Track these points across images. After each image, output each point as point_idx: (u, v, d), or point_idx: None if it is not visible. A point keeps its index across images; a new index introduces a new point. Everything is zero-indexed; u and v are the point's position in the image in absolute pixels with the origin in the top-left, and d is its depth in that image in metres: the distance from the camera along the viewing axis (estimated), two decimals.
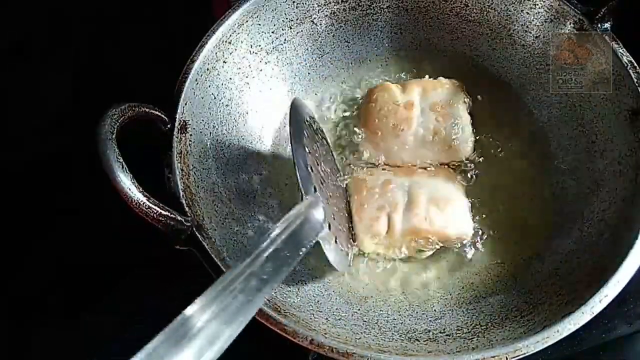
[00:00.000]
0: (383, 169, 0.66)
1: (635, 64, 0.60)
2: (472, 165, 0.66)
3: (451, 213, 0.60)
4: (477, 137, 0.68)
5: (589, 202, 0.60)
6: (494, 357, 0.47)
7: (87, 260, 0.66)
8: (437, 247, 0.61)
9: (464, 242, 0.61)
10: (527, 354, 0.47)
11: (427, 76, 0.70)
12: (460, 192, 0.63)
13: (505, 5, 0.69)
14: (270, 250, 0.41)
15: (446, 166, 0.66)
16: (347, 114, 0.72)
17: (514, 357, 0.47)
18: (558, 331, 0.47)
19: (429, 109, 0.66)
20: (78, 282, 0.66)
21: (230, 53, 0.64)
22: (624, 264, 0.50)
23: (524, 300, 0.55)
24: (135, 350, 0.61)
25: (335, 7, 0.71)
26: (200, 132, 0.60)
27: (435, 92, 0.67)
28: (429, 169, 0.65)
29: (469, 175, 0.66)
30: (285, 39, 0.70)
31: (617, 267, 0.50)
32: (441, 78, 0.69)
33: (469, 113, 0.68)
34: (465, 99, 0.68)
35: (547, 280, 0.56)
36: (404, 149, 0.66)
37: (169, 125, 0.56)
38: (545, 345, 0.47)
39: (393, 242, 0.60)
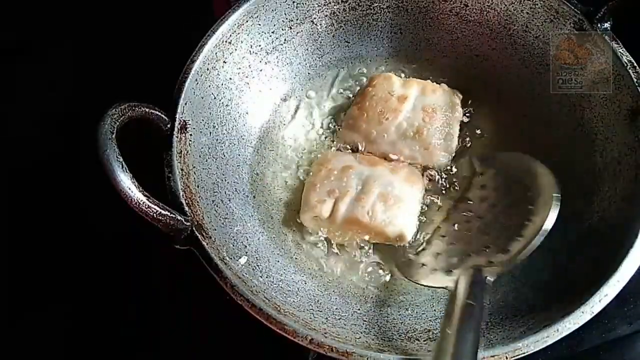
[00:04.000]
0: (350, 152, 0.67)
1: (635, 64, 0.60)
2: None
3: (396, 213, 0.60)
4: (476, 135, 0.68)
5: (589, 202, 0.60)
6: (493, 356, 0.47)
7: (88, 260, 0.66)
8: (374, 241, 0.62)
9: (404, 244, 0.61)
10: (527, 354, 0.47)
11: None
12: (415, 195, 0.63)
13: (505, 5, 0.69)
14: None
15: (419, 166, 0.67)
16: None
17: (513, 357, 0.47)
18: (558, 330, 0.47)
19: (420, 107, 0.66)
20: (77, 283, 0.66)
21: (230, 53, 0.64)
22: (624, 264, 0.50)
23: (524, 299, 0.55)
24: (144, 350, 0.61)
25: (335, 7, 0.71)
26: (200, 132, 0.60)
27: (434, 95, 0.68)
28: (394, 163, 0.65)
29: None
30: (285, 39, 0.70)
31: (617, 266, 0.50)
32: (444, 85, 0.69)
33: (459, 127, 0.68)
34: (460, 114, 0.68)
35: (547, 280, 0.56)
36: (382, 137, 0.66)
37: (169, 125, 0.56)
38: (545, 345, 0.47)
39: (333, 227, 0.61)
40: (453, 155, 0.67)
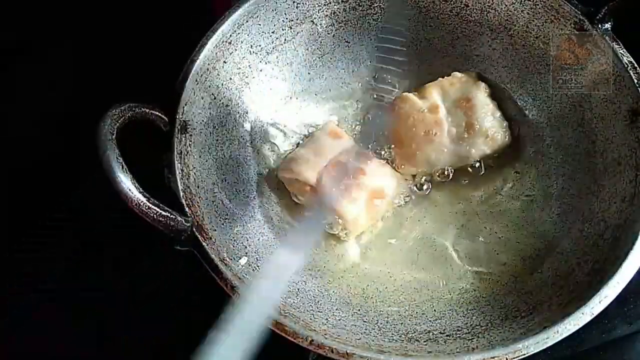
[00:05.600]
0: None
1: (635, 65, 0.60)
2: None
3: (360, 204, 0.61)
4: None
5: (589, 202, 0.60)
6: (493, 357, 0.47)
7: (88, 260, 0.66)
8: None
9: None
10: (526, 355, 0.47)
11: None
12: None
13: (506, 6, 0.68)
14: None
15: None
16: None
17: (513, 358, 0.47)
18: (558, 332, 0.47)
19: (453, 106, 0.66)
20: (77, 283, 0.66)
21: (230, 53, 0.64)
22: (624, 265, 0.50)
23: (524, 300, 0.55)
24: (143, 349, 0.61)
25: (335, 7, 0.71)
26: (200, 132, 0.60)
27: (454, 88, 0.67)
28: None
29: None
30: (285, 39, 0.70)
31: (617, 267, 0.50)
32: (455, 73, 0.69)
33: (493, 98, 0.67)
34: (485, 87, 0.67)
35: (547, 281, 0.56)
36: (442, 152, 0.65)
37: (169, 126, 0.56)
38: (545, 346, 0.47)
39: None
40: (506, 124, 0.66)
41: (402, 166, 0.67)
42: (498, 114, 0.66)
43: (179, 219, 0.49)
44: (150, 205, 0.47)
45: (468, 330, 0.54)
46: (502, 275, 0.60)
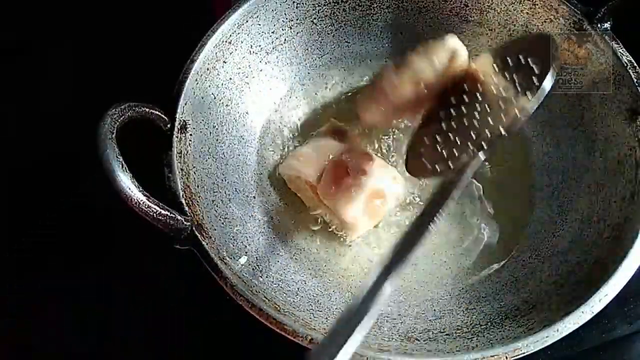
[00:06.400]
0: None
1: (635, 64, 0.60)
2: None
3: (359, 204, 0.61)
4: None
5: (589, 202, 0.60)
6: (493, 356, 0.47)
7: (89, 260, 0.66)
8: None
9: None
10: (526, 354, 0.47)
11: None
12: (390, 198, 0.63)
13: (505, 6, 0.69)
14: None
15: None
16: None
17: (513, 357, 0.47)
18: (558, 330, 0.47)
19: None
20: (78, 283, 0.65)
21: (230, 53, 0.65)
22: (624, 264, 0.50)
23: (524, 299, 0.55)
24: (143, 350, 0.61)
25: (335, 7, 0.71)
26: (200, 132, 0.60)
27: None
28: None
29: None
30: (285, 39, 0.70)
31: (617, 266, 0.50)
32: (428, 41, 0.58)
33: None
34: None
35: (547, 280, 0.56)
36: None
37: (169, 125, 0.56)
38: (545, 345, 0.47)
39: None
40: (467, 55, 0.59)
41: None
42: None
43: (179, 218, 0.49)
44: (150, 204, 0.47)
45: (468, 329, 0.54)
46: (502, 275, 0.60)
